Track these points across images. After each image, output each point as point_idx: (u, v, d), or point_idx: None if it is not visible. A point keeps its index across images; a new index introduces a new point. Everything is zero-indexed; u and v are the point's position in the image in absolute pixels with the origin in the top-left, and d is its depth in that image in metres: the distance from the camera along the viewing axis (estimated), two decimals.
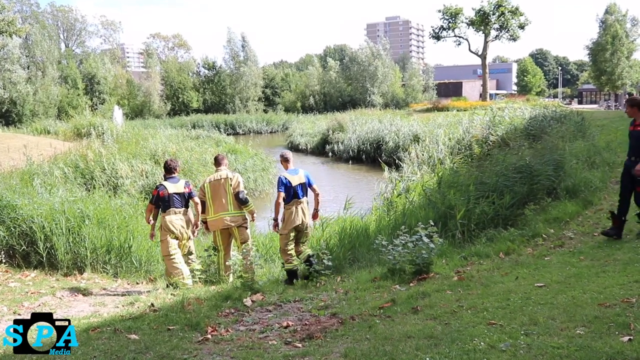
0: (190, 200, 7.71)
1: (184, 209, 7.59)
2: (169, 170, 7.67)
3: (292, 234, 7.67)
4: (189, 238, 7.82)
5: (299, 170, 7.79)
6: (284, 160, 7.89)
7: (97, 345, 4.39)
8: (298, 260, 7.73)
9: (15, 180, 11.54)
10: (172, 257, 7.41)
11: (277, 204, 7.64)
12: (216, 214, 7.75)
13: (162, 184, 7.53)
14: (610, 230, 7.08)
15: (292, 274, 7.66)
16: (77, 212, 8.82)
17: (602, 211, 8.84)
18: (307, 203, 7.82)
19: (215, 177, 7.83)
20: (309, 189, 7.86)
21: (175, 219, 7.46)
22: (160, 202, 7.47)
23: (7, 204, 8.62)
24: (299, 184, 7.59)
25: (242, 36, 72.17)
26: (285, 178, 7.55)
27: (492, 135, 18.37)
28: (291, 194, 7.55)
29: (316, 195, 7.92)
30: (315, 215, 8.04)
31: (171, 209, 7.44)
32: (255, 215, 7.98)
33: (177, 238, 7.50)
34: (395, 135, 27.58)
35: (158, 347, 4.34)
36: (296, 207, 7.58)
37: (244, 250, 7.44)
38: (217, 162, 8.08)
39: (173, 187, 7.48)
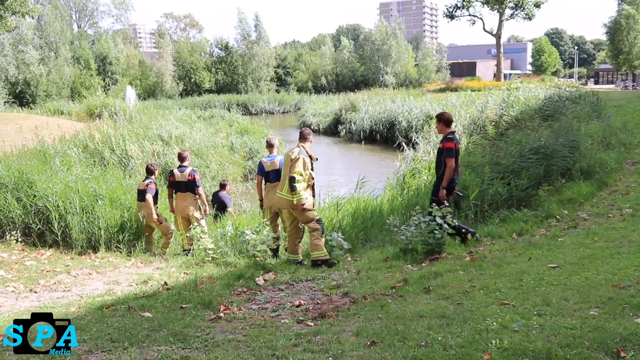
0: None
1: (188, 193, 8.61)
2: (180, 160, 8.83)
3: (268, 213, 8.04)
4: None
5: (276, 157, 8.07)
6: (269, 146, 8.33)
7: (111, 323, 4.44)
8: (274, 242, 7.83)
9: (34, 162, 11.61)
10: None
11: (257, 185, 8.45)
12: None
13: (171, 170, 8.86)
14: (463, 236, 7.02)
15: (273, 250, 7.83)
16: (91, 191, 8.91)
17: (617, 192, 8.74)
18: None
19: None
20: None
21: (180, 202, 8.65)
22: (171, 186, 8.78)
23: (26, 179, 8.77)
24: (272, 170, 7.94)
25: (256, 15, 71.77)
26: (261, 162, 8.18)
27: (506, 115, 18.15)
28: (265, 177, 8.03)
29: None
30: None
31: (178, 193, 8.66)
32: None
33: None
34: (409, 115, 27.36)
35: (171, 324, 4.38)
36: (269, 190, 7.90)
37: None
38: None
39: (180, 175, 8.60)
